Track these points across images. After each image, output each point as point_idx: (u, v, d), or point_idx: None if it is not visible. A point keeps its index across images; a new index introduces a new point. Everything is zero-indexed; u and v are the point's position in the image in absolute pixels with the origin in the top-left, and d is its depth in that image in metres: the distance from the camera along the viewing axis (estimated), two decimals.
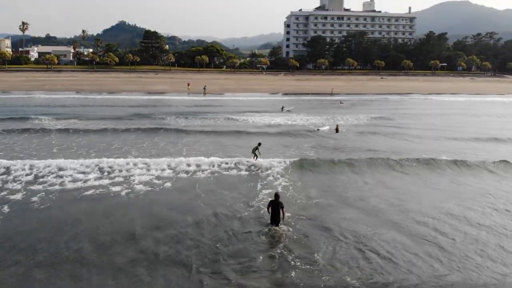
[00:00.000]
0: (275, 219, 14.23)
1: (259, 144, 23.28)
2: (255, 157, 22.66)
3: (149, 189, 18.23)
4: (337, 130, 34.93)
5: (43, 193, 17.28)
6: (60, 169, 20.64)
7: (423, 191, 18.94)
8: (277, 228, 14.14)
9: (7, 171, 20.24)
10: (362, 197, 17.59)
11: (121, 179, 19.48)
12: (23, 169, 20.40)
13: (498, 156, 24.87)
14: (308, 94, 79.62)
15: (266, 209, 14.73)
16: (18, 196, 16.87)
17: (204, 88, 76.28)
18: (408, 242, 13.19)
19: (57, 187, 18.20)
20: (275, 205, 14.25)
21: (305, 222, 14.79)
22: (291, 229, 14.07)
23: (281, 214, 14.27)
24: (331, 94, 77.68)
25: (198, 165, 21.97)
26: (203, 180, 19.88)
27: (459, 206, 16.57)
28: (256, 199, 16.98)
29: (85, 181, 19.00)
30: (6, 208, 15.45)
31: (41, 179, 19.15)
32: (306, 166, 22.47)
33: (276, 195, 14.48)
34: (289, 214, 15.01)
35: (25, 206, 15.86)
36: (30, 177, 19.40)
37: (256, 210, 15.84)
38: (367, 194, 18.15)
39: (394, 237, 13.55)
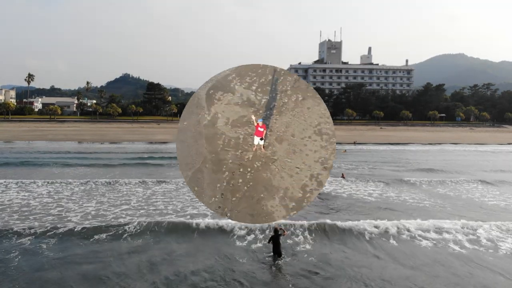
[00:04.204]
0: (277, 251, 15.83)
1: None
2: None
3: None
4: (343, 177, 35.55)
5: None
6: None
7: None
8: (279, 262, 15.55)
9: None
10: None
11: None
12: None
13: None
14: None
15: (267, 243, 16.24)
16: None
17: None
18: None
19: None
20: (276, 239, 15.81)
21: None
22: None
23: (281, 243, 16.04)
24: (354, 144, 79.01)
25: None
26: None
27: None
28: None
29: None
30: None
31: None
32: None
33: (276, 230, 15.98)
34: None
35: None
36: None
37: None
38: None
39: None
